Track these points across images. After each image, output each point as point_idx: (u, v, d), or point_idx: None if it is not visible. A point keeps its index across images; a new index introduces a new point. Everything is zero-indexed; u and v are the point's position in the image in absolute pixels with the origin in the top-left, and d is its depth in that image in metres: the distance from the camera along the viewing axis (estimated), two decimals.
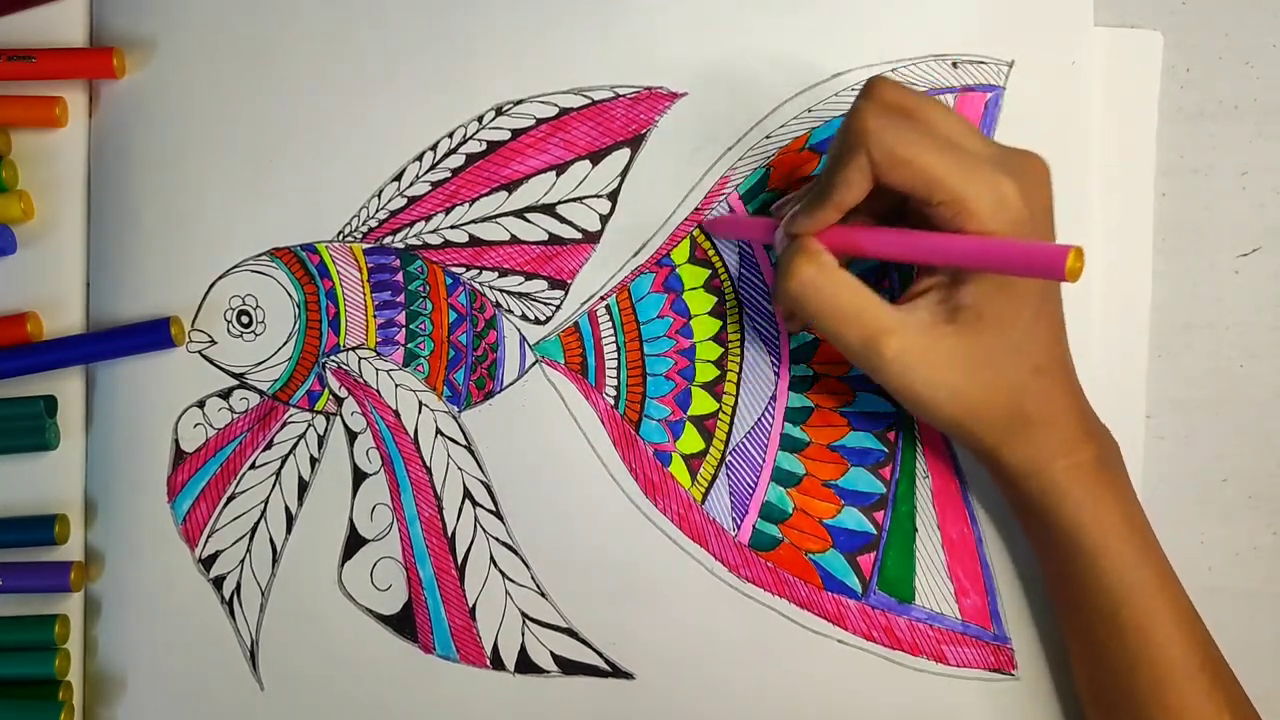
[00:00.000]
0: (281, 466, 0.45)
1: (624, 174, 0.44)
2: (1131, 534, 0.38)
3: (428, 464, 0.44)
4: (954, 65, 0.43)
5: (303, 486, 0.45)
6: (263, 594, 0.45)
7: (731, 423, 0.44)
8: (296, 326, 0.45)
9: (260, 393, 0.45)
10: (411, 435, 0.44)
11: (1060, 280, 0.30)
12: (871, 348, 0.35)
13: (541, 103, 0.44)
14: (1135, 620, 0.37)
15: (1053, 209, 0.36)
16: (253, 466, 0.45)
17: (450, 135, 0.44)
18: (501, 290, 0.44)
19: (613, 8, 0.44)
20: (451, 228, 0.44)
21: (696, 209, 0.44)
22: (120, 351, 0.44)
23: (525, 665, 0.44)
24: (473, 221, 0.44)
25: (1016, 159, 0.35)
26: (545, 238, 0.44)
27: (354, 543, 0.45)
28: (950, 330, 0.35)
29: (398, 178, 0.44)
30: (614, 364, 0.44)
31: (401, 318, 0.44)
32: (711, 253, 0.44)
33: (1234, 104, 0.39)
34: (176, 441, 0.45)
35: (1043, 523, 0.38)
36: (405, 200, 0.44)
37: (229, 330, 0.45)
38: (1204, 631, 0.38)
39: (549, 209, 0.44)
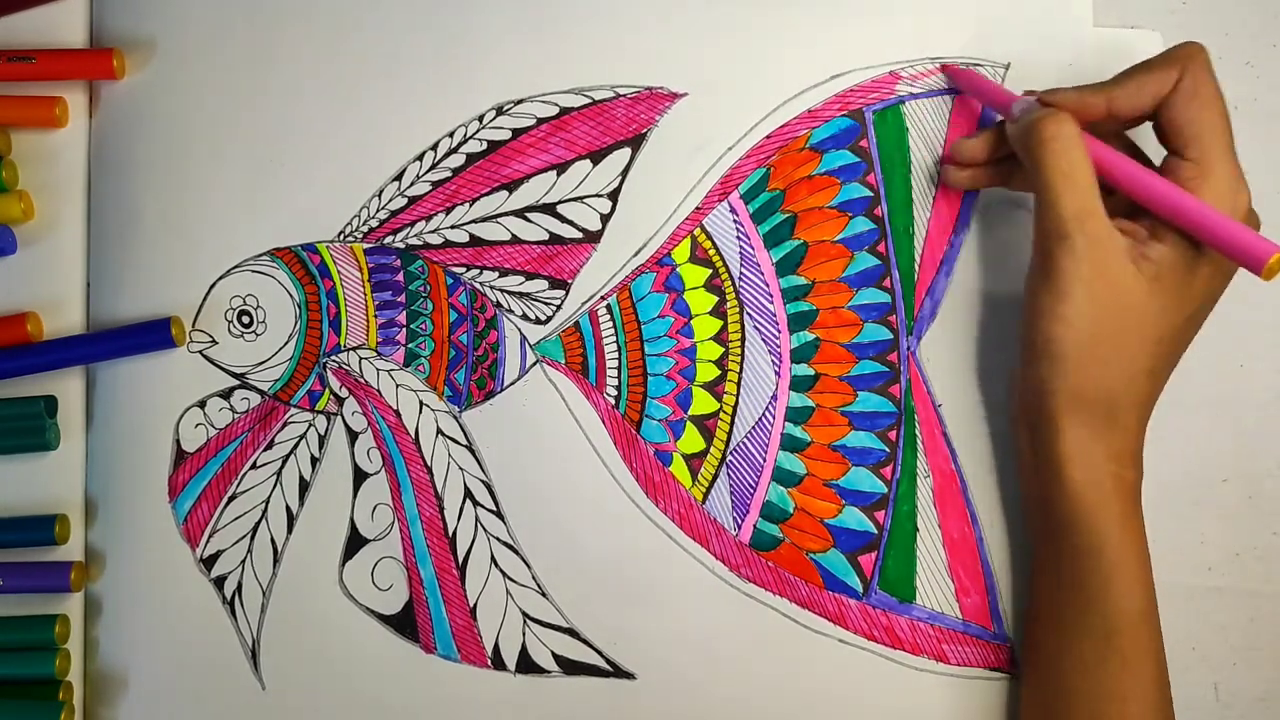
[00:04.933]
0: (282, 466, 0.45)
1: (625, 173, 0.44)
2: (1146, 568, 0.38)
3: (428, 464, 0.44)
4: None
5: (304, 486, 0.45)
6: (264, 594, 0.45)
7: (732, 422, 0.44)
8: (297, 326, 0.45)
9: (261, 393, 0.45)
10: (412, 435, 0.44)
11: (1255, 272, 0.33)
12: (1080, 220, 0.36)
13: (542, 102, 0.44)
14: (1124, 650, 0.37)
15: None
16: (254, 466, 0.45)
17: (451, 135, 0.44)
18: (502, 290, 0.44)
19: (613, 8, 0.44)
20: (452, 227, 0.44)
21: (697, 209, 0.44)
22: (120, 351, 0.44)
23: (526, 665, 0.44)
24: (473, 221, 0.44)
25: None
26: (546, 237, 0.44)
27: (355, 542, 0.45)
28: (1130, 269, 0.36)
29: (398, 177, 0.44)
30: (615, 364, 0.44)
31: (402, 317, 0.44)
32: (712, 252, 0.44)
33: (1234, 104, 0.39)
34: (178, 441, 0.45)
35: (1068, 525, 0.38)
36: (406, 200, 0.44)
37: (230, 330, 0.45)
38: (1170, 698, 0.38)
39: (550, 208, 0.44)
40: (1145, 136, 0.39)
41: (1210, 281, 0.37)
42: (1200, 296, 0.37)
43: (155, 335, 0.44)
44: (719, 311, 0.44)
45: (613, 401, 0.44)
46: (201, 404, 0.45)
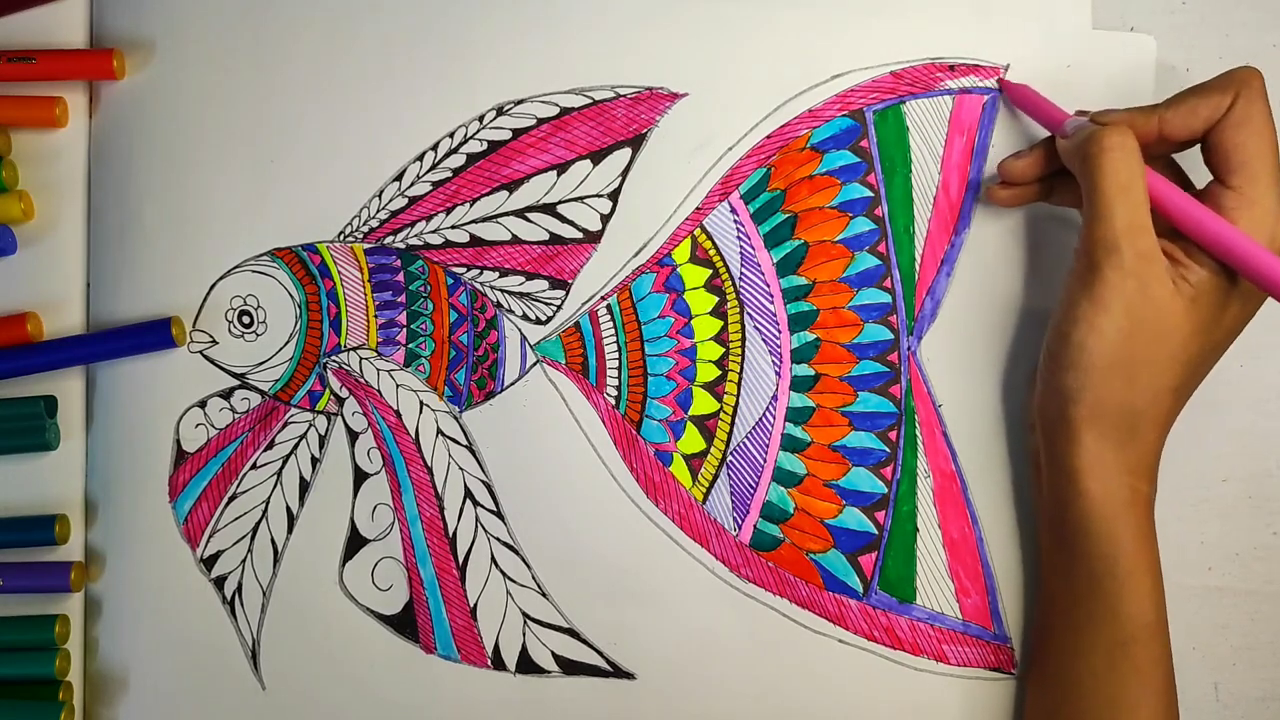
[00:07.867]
0: (283, 466, 0.45)
1: (625, 174, 0.44)
2: (1158, 579, 0.38)
3: (429, 464, 0.44)
4: (951, 68, 0.43)
5: (304, 486, 0.45)
6: (264, 594, 0.45)
7: (732, 422, 0.44)
8: (297, 326, 0.45)
9: (261, 393, 0.45)
10: (412, 435, 0.44)
11: None
12: (1132, 234, 0.36)
13: (542, 102, 0.44)
14: (1136, 659, 0.37)
15: None
16: (254, 466, 0.45)
17: (451, 135, 0.44)
18: (502, 290, 0.44)
19: (613, 8, 0.44)
20: (452, 227, 0.44)
21: (697, 209, 0.44)
22: (121, 352, 0.44)
23: (526, 665, 0.44)
24: (474, 221, 0.44)
25: None
26: (546, 237, 0.44)
27: (355, 543, 0.45)
28: (1170, 289, 0.36)
29: (398, 177, 0.44)
30: (615, 364, 0.44)
31: (402, 318, 0.44)
32: (712, 252, 0.44)
33: None
34: (178, 441, 0.45)
35: (1082, 535, 0.37)
36: (406, 200, 0.44)
37: (230, 330, 0.45)
38: (1177, 706, 0.38)
39: (550, 208, 0.44)
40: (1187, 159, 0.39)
41: (1244, 308, 0.37)
42: (1232, 321, 0.37)
43: (155, 335, 0.44)
44: (719, 312, 0.44)
45: (613, 401, 0.44)
46: (202, 404, 0.45)
